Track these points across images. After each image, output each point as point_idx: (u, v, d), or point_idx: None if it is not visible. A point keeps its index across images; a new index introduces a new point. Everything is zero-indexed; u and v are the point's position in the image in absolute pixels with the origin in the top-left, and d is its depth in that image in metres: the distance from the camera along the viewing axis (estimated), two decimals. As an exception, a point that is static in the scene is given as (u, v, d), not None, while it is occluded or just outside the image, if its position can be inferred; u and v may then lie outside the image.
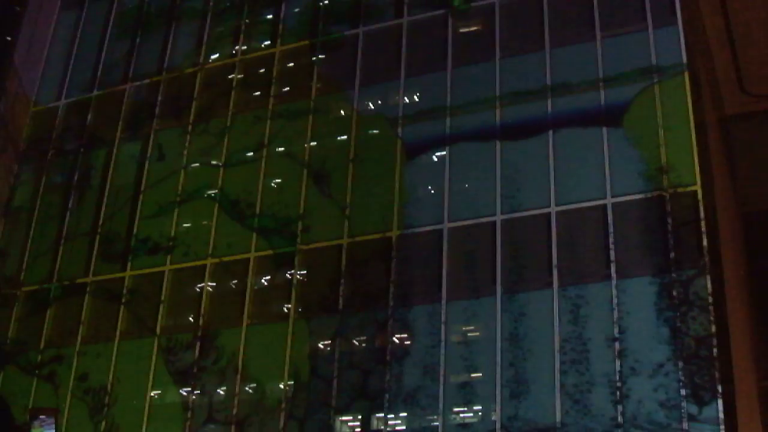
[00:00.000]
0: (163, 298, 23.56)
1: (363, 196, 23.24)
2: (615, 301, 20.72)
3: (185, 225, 24.60)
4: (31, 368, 24.29)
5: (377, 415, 22.12)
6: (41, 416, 23.56)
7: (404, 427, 21.75)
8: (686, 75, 22.38)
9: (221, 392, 23.90)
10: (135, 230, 25.90)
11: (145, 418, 22.20)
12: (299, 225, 22.73)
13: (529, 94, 23.75)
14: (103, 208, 27.06)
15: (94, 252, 25.77)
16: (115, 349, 23.50)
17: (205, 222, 24.40)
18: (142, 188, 26.65)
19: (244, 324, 24.23)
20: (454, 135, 23.25)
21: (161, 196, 26.25)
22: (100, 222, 26.49)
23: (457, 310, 22.21)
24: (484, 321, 21.82)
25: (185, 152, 27.15)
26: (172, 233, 24.67)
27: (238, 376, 23.60)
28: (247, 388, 23.63)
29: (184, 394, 22.05)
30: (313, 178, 23.68)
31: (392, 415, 21.88)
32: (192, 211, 25.10)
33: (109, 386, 22.97)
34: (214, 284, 23.78)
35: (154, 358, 22.84)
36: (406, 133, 23.56)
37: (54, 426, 23.34)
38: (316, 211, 23.50)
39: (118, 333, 23.65)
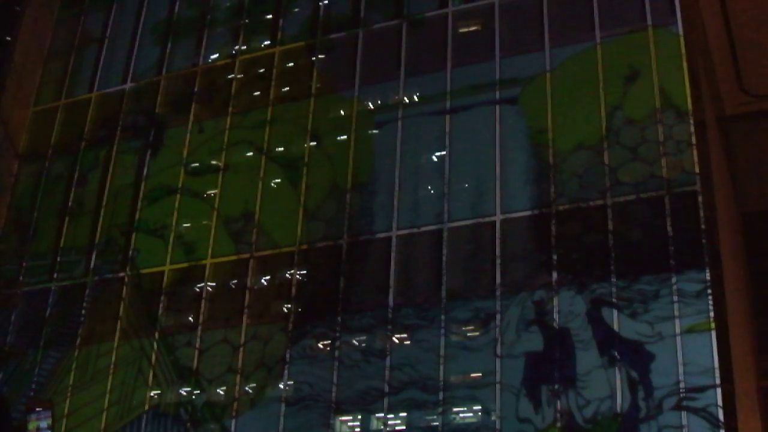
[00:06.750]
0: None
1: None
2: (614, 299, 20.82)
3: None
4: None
5: (377, 415, 22.15)
6: (37, 409, 23.76)
7: (404, 427, 21.78)
8: (687, 77, 22.48)
9: (221, 392, 24.06)
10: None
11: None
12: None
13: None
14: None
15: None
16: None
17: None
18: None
19: (244, 323, 24.37)
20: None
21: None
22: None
23: (458, 310, 22.29)
24: (483, 320, 21.88)
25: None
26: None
27: (238, 376, 23.74)
28: (246, 388, 23.70)
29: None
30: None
31: (392, 415, 21.90)
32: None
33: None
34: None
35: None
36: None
37: (51, 418, 23.52)
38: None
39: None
